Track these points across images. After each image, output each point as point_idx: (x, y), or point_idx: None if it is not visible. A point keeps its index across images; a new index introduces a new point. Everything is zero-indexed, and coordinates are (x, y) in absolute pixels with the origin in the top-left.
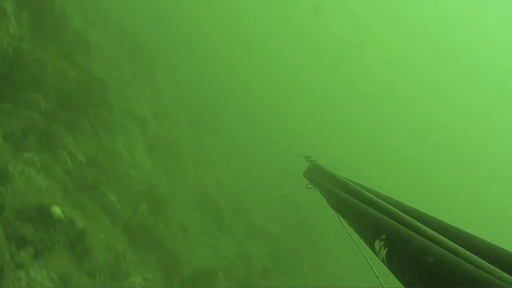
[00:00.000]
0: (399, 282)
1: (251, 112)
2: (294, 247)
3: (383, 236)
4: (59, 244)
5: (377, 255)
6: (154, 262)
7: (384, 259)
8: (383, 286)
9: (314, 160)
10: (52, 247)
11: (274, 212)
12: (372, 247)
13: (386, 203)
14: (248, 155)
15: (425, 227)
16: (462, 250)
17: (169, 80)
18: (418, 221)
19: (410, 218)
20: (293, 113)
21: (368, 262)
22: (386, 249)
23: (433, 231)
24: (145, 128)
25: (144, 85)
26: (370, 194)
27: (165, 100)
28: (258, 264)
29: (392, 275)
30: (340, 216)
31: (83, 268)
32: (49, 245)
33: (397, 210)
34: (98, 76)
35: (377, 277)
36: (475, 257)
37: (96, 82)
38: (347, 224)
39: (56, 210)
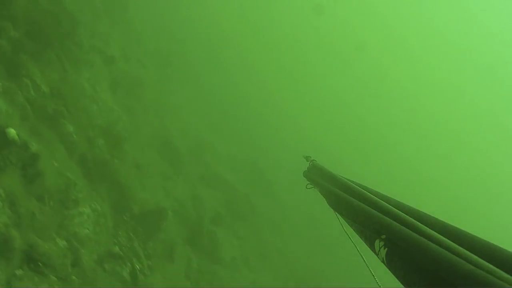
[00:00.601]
0: (399, 282)
1: (223, 63)
2: (248, 198)
3: (383, 236)
4: (11, 165)
5: (377, 255)
6: (105, 195)
7: (384, 259)
8: (379, 286)
9: (314, 160)
10: (4, 167)
11: (233, 162)
12: (372, 247)
13: (386, 203)
14: (214, 106)
15: (425, 227)
16: (462, 250)
17: (142, 21)
18: (418, 221)
19: (410, 218)
20: (266, 74)
21: (365, 262)
22: (386, 249)
23: (433, 231)
24: (111, 65)
25: (116, 23)
26: (370, 194)
27: (136, 41)
28: (210, 210)
29: (392, 275)
30: (339, 216)
31: (32, 190)
32: (1, 165)
33: (397, 210)
34: (70, 9)
35: (374, 277)
36: (475, 257)
37: (68, 15)
38: (346, 224)
39: (11, 131)
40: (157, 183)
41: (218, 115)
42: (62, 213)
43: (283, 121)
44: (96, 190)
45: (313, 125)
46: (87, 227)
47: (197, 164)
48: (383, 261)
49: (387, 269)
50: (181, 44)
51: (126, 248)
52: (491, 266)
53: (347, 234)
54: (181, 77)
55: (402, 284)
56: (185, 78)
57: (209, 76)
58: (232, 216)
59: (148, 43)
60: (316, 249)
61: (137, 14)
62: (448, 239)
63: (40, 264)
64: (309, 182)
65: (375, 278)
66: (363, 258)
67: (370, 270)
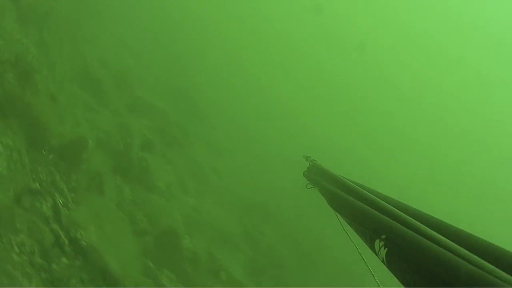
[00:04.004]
0: (399, 282)
1: None
2: (180, 124)
3: (383, 236)
4: None
5: (377, 255)
6: (18, 130)
7: (384, 259)
8: (379, 286)
9: (314, 160)
10: None
11: (162, 89)
12: (372, 247)
13: (386, 203)
14: (138, 33)
15: (425, 227)
16: (462, 250)
17: None
18: (418, 221)
19: (410, 218)
20: None
21: (365, 262)
22: (386, 249)
23: (433, 231)
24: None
25: None
26: (370, 194)
27: None
28: (139, 137)
29: (392, 275)
30: (339, 216)
31: None
32: None
33: (397, 210)
34: None
35: (374, 276)
36: (475, 257)
37: None
38: (346, 224)
39: None
40: (78, 115)
41: (145, 42)
42: None
43: (213, 44)
44: (9, 125)
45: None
46: None
47: (122, 93)
48: (383, 261)
49: (387, 269)
50: None
51: (47, 183)
52: (491, 266)
53: (347, 234)
54: (97, 8)
55: (402, 284)
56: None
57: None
58: (163, 143)
59: None
60: (257, 167)
61: None
62: (448, 239)
63: None
64: (309, 182)
65: (375, 278)
66: (363, 258)
67: (370, 270)
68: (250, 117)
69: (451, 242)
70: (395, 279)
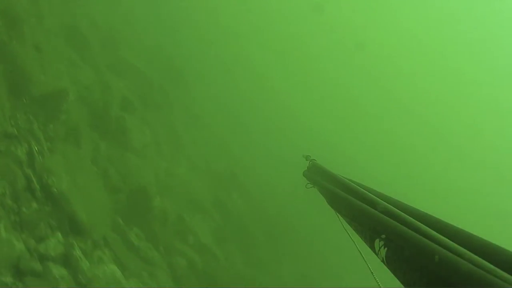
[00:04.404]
0: (399, 282)
1: None
2: (162, 88)
3: (383, 236)
4: None
5: (377, 254)
6: (0, 76)
7: (384, 258)
8: (379, 286)
9: (313, 159)
10: None
11: (147, 54)
12: (372, 246)
13: (386, 203)
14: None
15: (425, 226)
16: (462, 249)
17: None
18: (418, 221)
19: (410, 217)
20: None
21: (366, 262)
22: (386, 248)
23: (433, 231)
24: None
25: None
26: (370, 194)
27: None
28: (119, 96)
29: (392, 274)
30: (339, 216)
31: None
32: None
33: (397, 210)
34: None
35: (374, 277)
36: (475, 256)
37: None
38: (346, 223)
39: None
40: (61, 68)
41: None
42: None
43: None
44: None
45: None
46: None
47: (107, 52)
48: (383, 261)
49: (387, 269)
50: None
51: (24, 130)
52: (491, 265)
53: (347, 233)
54: None
55: (402, 283)
56: None
57: None
58: (143, 105)
59: None
60: (234, 139)
61: None
62: (448, 238)
63: None
64: (309, 182)
65: (375, 278)
66: (363, 257)
67: (370, 270)
68: (232, 91)
69: (451, 242)
70: (395, 279)
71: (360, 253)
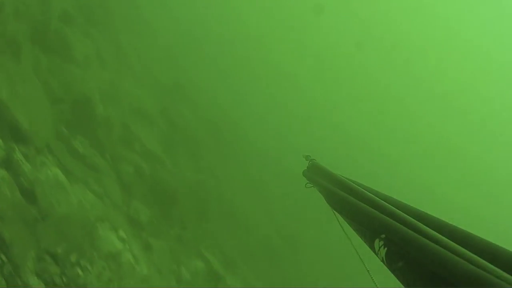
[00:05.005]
0: (399, 282)
1: None
2: (105, 5)
3: (383, 236)
4: None
5: (376, 254)
6: None
7: (384, 258)
8: (377, 286)
9: (313, 159)
10: None
11: None
12: (371, 246)
13: (385, 203)
14: None
15: (425, 226)
16: (462, 249)
17: None
18: (418, 221)
19: (410, 217)
20: None
21: (363, 262)
22: (386, 248)
23: (433, 231)
24: None
25: None
26: (370, 194)
27: None
28: (58, 9)
29: (392, 274)
30: (339, 216)
31: None
32: None
33: (397, 210)
34: None
35: (371, 277)
36: (475, 256)
37: None
38: (346, 223)
39: None
40: None
41: None
42: None
43: None
44: None
45: None
46: None
47: None
48: (382, 261)
49: (387, 269)
50: None
51: None
52: (491, 266)
53: (345, 234)
54: None
55: (401, 283)
56: None
57: None
58: (84, 18)
59: None
60: (179, 51)
61: None
62: (448, 238)
63: None
64: (308, 181)
65: (372, 279)
66: (360, 258)
67: (367, 270)
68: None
69: (450, 242)
70: (395, 278)
71: (359, 255)
